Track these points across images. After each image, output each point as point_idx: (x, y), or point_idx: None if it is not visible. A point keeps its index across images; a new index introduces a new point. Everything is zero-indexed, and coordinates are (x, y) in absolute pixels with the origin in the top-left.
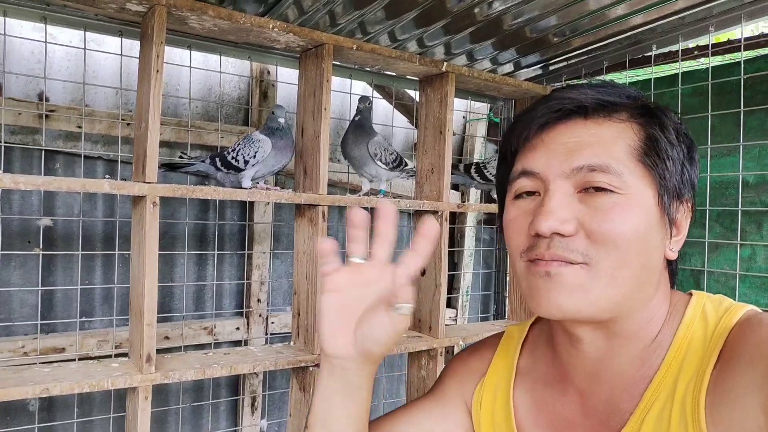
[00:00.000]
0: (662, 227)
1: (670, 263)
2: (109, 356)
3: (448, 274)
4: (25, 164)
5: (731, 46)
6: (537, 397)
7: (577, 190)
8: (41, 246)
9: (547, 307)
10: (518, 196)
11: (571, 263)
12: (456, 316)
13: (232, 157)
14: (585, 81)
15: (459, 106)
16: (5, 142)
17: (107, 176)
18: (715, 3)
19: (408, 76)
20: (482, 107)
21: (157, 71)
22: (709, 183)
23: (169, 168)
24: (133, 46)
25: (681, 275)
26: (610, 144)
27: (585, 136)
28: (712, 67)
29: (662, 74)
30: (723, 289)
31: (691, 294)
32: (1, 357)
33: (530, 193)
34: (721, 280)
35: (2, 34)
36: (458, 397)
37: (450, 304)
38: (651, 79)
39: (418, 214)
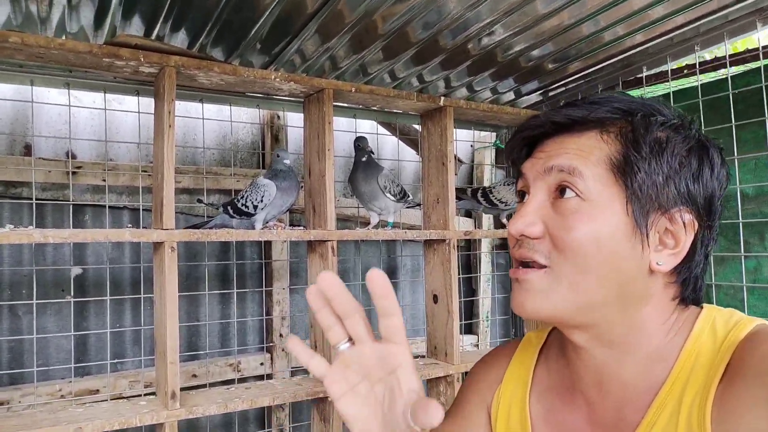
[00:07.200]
0: (634, 238)
1: (681, 275)
2: (140, 395)
3: (468, 300)
4: (57, 218)
5: (719, 63)
6: (548, 406)
7: (551, 193)
8: (72, 294)
9: (514, 306)
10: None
11: (537, 267)
12: (477, 341)
13: (242, 204)
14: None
15: (465, 136)
16: (37, 199)
17: (130, 225)
18: (701, 22)
19: (410, 112)
20: (489, 135)
21: (170, 126)
22: None
23: (192, 227)
24: (150, 103)
25: None
26: (585, 151)
27: (566, 143)
28: (702, 84)
29: (655, 93)
30: (733, 301)
31: (702, 307)
32: (39, 400)
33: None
34: (730, 293)
35: (30, 102)
36: (480, 409)
37: (471, 330)
38: None
39: (428, 243)
